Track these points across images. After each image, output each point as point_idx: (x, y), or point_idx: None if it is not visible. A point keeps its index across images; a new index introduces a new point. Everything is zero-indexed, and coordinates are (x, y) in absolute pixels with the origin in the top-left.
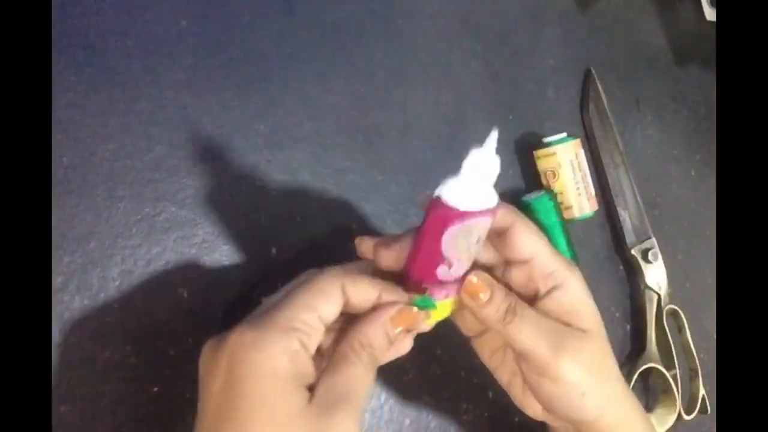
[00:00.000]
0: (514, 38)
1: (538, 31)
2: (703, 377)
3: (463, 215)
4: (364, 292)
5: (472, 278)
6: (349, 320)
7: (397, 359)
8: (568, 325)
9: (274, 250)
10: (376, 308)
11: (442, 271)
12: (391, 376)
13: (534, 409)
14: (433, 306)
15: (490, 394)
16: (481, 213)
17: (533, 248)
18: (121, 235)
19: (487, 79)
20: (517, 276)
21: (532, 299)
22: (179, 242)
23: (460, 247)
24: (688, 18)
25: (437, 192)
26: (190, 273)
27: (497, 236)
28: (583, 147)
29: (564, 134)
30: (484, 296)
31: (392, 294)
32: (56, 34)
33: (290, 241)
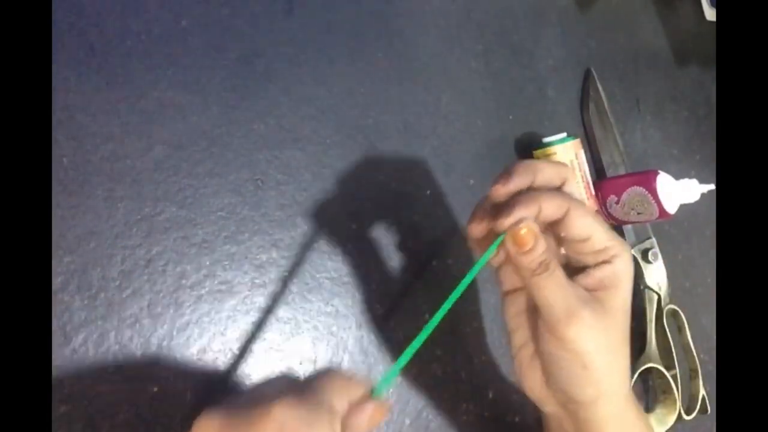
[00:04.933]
0: (514, 38)
1: (538, 31)
2: (703, 377)
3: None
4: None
5: (521, 228)
6: None
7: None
8: (597, 297)
9: (273, 250)
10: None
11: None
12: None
13: (533, 385)
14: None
15: (490, 394)
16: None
17: (589, 228)
18: (121, 235)
19: (487, 79)
20: (569, 248)
21: (578, 271)
22: (179, 242)
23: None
24: (688, 18)
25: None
26: (190, 273)
27: (554, 224)
28: (583, 147)
29: (564, 134)
30: (527, 246)
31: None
32: (56, 34)
33: (290, 241)
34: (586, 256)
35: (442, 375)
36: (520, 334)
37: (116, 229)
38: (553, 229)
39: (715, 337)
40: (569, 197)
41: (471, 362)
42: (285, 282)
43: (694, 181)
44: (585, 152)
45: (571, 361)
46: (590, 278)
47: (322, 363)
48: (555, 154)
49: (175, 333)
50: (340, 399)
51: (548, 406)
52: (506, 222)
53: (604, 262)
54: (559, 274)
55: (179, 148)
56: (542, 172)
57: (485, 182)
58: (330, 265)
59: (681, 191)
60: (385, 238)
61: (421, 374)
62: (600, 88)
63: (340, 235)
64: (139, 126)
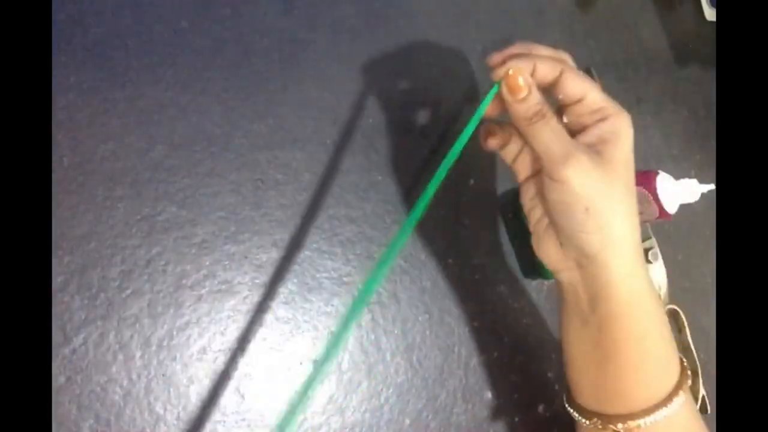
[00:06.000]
0: (514, 38)
1: (538, 31)
2: (703, 377)
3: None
4: None
5: (519, 78)
6: None
7: (397, 358)
8: (595, 149)
9: (273, 250)
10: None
11: None
12: (392, 376)
13: (549, 251)
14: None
15: (490, 394)
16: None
17: (583, 87)
18: (121, 235)
19: (487, 79)
20: (568, 113)
21: (578, 133)
22: (179, 242)
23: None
24: (688, 18)
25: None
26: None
27: (551, 87)
28: None
29: None
30: (521, 92)
31: None
32: (56, 34)
33: (290, 241)
34: (584, 117)
35: (443, 375)
36: (536, 212)
37: (116, 229)
38: (551, 93)
39: (715, 337)
40: (563, 62)
41: (471, 362)
42: (285, 282)
43: (694, 181)
44: None
45: (573, 206)
46: (589, 136)
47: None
48: None
49: (175, 333)
50: None
51: (564, 271)
52: (501, 70)
53: (601, 120)
54: (554, 122)
55: (179, 148)
56: (539, 49)
57: (485, 182)
58: (330, 265)
59: (681, 191)
60: (384, 238)
61: (421, 374)
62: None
63: (340, 235)
64: (139, 126)
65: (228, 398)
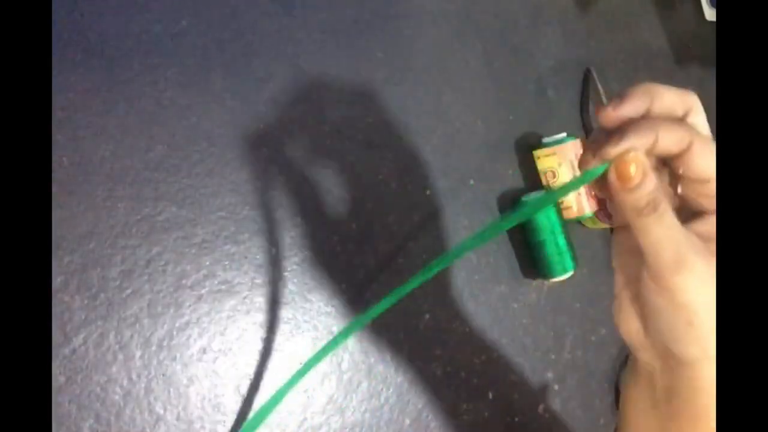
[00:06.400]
0: (514, 38)
1: (538, 31)
2: None
3: None
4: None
5: (628, 160)
6: None
7: (397, 358)
8: (710, 247)
9: (273, 250)
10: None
11: None
12: (392, 376)
13: (630, 330)
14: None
15: (490, 394)
16: None
17: (712, 168)
18: (121, 235)
19: (487, 79)
20: (687, 189)
21: (695, 216)
22: (179, 242)
23: None
24: (688, 18)
25: None
26: (190, 272)
27: (676, 157)
28: (583, 147)
29: (564, 134)
30: (633, 181)
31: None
32: (56, 34)
33: (290, 241)
34: (706, 200)
35: (442, 375)
36: (625, 276)
37: (116, 229)
38: (670, 165)
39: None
40: (693, 130)
41: (471, 362)
42: (285, 282)
43: None
44: None
45: (675, 315)
46: (708, 225)
47: (321, 363)
48: (555, 154)
49: (175, 333)
50: None
51: (644, 354)
52: (612, 150)
53: None
54: (669, 217)
55: (179, 148)
56: (662, 97)
57: (485, 182)
58: (330, 265)
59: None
60: (384, 238)
61: (421, 374)
62: (600, 88)
63: (340, 234)
64: (139, 126)
65: (228, 398)
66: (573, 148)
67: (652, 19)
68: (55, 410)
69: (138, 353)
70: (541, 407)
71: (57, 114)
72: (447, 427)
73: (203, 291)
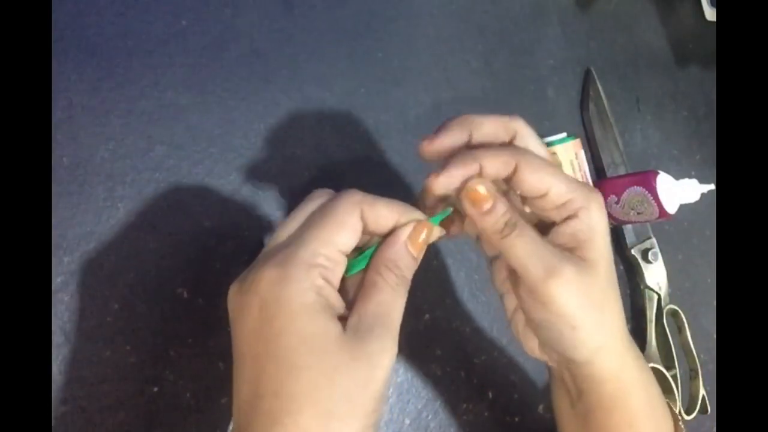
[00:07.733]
0: (514, 38)
1: (538, 31)
2: (703, 377)
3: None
4: (382, 216)
5: (478, 187)
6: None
7: (397, 358)
8: (574, 254)
9: None
10: (395, 230)
11: None
12: (392, 376)
13: (532, 346)
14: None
15: (490, 394)
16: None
17: (543, 182)
18: (121, 235)
19: (487, 79)
20: (531, 205)
21: (550, 228)
22: (179, 242)
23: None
24: (688, 18)
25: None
26: (190, 273)
27: (508, 180)
28: (583, 147)
29: (564, 134)
30: (486, 206)
31: (409, 214)
32: (56, 34)
33: None
34: (550, 212)
35: (442, 375)
36: (511, 299)
37: (116, 229)
38: (513, 187)
39: (715, 337)
40: (517, 151)
41: (471, 362)
42: None
43: (694, 181)
44: (585, 152)
45: (559, 324)
46: (560, 236)
47: None
48: (555, 154)
49: (175, 333)
50: (326, 246)
51: (550, 363)
52: (436, 182)
53: (570, 217)
54: (528, 232)
55: (179, 148)
56: (481, 126)
57: None
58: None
59: (681, 191)
60: None
61: (421, 374)
62: (600, 88)
63: None
64: (139, 126)
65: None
66: (573, 148)
67: (652, 19)
68: (55, 410)
69: (138, 353)
70: (541, 407)
71: (57, 114)
72: (447, 427)
73: None
